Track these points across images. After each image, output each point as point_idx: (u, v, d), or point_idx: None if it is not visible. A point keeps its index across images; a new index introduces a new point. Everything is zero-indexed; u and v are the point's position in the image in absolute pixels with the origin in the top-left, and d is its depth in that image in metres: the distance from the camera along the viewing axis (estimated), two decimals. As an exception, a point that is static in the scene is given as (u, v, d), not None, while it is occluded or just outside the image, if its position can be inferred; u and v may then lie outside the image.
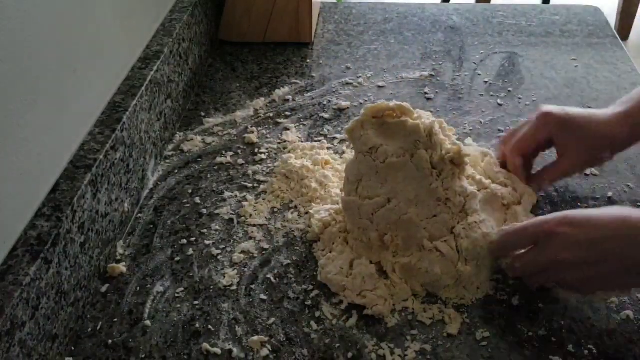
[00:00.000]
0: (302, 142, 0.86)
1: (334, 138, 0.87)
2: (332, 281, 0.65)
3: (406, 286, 0.64)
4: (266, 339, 0.60)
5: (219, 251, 0.70)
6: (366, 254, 0.66)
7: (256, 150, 0.86)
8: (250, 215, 0.75)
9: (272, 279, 0.67)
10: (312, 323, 0.62)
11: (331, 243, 0.69)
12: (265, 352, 0.59)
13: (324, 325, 0.62)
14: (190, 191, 0.79)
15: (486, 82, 1.00)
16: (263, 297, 0.65)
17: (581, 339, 0.60)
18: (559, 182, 0.78)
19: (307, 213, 0.74)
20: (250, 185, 0.80)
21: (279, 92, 0.98)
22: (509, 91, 0.97)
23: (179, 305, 0.64)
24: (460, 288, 0.65)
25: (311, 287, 0.66)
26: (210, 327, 0.62)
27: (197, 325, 0.62)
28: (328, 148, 0.85)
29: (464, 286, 0.65)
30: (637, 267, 0.58)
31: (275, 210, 0.76)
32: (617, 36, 1.13)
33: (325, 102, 0.96)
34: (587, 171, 0.80)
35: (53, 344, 0.57)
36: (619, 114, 0.72)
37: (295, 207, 0.76)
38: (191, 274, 0.67)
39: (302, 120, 0.92)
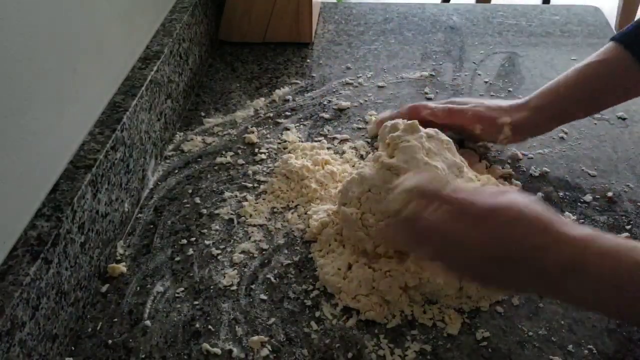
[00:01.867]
0: (302, 142, 0.86)
1: (334, 138, 0.87)
2: (329, 282, 0.65)
3: (404, 295, 0.63)
4: (266, 339, 0.60)
5: (219, 251, 0.70)
6: (362, 260, 0.66)
7: (256, 150, 0.86)
8: (250, 215, 0.75)
9: (272, 279, 0.67)
10: (312, 323, 0.62)
11: (327, 244, 0.69)
12: (265, 352, 0.59)
13: (324, 325, 0.62)
14: (190, 191, 0.79)
15: (486, 82, 1.00)
16: (263, 297, 0.65)
17: (581, 339, 0.60)
18: (560, 181, 0.78)
19: (306, 213, 0.74)
20: (250, 185, 0.80)
21: (279, 92, 0.98)
22: (509, 91, 0.97)
23: (179, 305, 0.64)
24: (464, 298, 0.64)
25: (311, 287, 0.66)
26: (210, 327, 0.62)
27: (197, 325, 0.62)
28: (328, 148, 0.85)
29: (469, 296, 0.63)
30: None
31: (275, 210, 0.76)
32: (617, 36, 1.13)
33: (325, 102, 0.96)
34: (588, 170, 0.80)
35: (53, 344, 0.57)
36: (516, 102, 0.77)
37: (295, 207, 0.76)
38: (191, 274, 0.67)
39: (302, 120, 0.92)
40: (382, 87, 1.00)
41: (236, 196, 0.78)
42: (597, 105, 0.76)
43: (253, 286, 0.66)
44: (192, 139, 0.88)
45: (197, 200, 0.77)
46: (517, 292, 0.62)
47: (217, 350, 0.59)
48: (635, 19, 0.72)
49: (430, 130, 0.70)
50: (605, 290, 0.50)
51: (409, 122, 0.69)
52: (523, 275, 0.53)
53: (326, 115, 0.92)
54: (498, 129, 0.76)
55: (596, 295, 0.51)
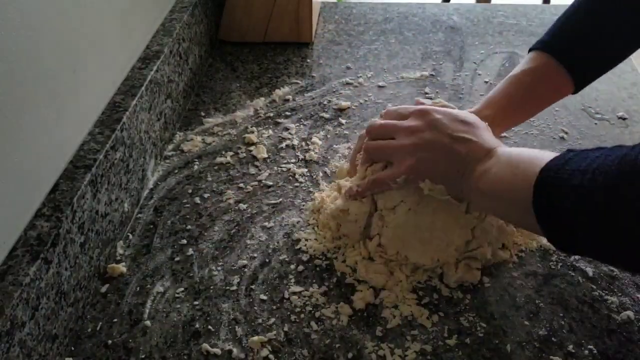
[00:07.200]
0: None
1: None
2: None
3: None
4: (266, 339, 0.60)
5: (219, 251, 0.70)
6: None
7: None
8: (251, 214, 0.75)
9: (272, 279, 0.67)
10: (312, 323, 0.62)
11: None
12: (265, 352, 0.59)
13: (324, 325, 0.62)
14: (190, 191, 0.79)
15: (487, 82, 1.00)
16: (263, 297, 0.65)
17: (581, 339, 0.60)
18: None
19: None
20: (250, 185, 0.79)
21: (279, 92, 0.98)
22: (509, 91, 0.97)
23: (179, 306, 0.64)
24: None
25: (311, 287, 0.66)
26: (210, 327, 0.62)
27: (197, 326, 0.62)
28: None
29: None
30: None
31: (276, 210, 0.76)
32: (618, 36, 1.13)
33: (325, 102, 0.96)
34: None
35: (53, 344, 0.57)
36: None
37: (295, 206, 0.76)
38: (191, 274, 0.67)
39: (302, 120, 0.92)
40: (382, 87, 1.00)
41: (236, 196, 0.78)
42: (531, 112, 0.78)
43: (253, 286, 0.66)
44: (192, 139, 0.88)
45: (197, 200, 0.77)
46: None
47: (217, 351, 0.59)
48: (551, 26, 0.80)
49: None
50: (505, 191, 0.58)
51: None
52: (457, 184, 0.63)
53: (326, 115, 0.92)
54: None
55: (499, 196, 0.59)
